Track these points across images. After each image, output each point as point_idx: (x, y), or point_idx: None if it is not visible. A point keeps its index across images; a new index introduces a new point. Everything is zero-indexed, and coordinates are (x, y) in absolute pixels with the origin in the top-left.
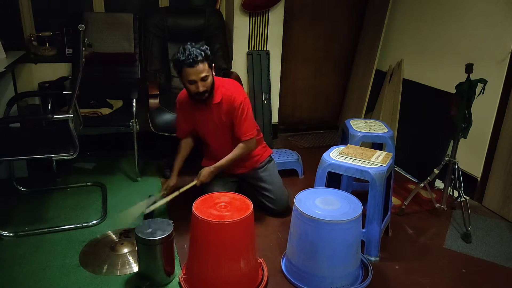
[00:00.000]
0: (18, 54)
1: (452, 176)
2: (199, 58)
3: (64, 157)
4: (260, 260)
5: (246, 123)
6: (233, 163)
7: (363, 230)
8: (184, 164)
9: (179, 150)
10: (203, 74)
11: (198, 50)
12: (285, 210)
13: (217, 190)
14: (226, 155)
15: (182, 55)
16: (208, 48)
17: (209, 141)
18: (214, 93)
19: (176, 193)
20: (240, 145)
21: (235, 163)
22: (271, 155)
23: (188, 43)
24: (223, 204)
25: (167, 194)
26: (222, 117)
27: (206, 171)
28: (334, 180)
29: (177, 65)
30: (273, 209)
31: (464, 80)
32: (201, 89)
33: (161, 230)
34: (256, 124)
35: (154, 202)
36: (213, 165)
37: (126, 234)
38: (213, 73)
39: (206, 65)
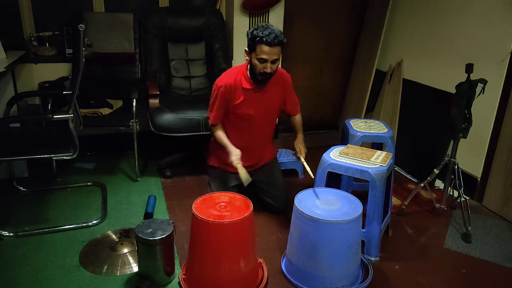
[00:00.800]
0: (18, 54)
1: (452, 176)
2: (278, 40)
3: (64, 157)
4: (260, 260)
5: (295, 95)
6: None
7: (363, 230)
8: (183, 164)
9: (221, 132)
10: (276, 57)
11: (278, 32)
12: (285, 207)
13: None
14: (257, 146)
15: (263, 31)
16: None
17: (248, 129)
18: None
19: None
20: (298, 118)
21: (248, 158)
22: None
23: (268, 23)
24: (223, 204)
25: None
26: (277, 101)
27: (301, 142)
28: (334, 180)
29: (254, 40)
30: (274, 207)
31: (464, 80)
32: (269, 70)
33: (161, 230)
34: None
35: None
36: (300, 135)
37: (126, 234)
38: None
39: (281, 49)
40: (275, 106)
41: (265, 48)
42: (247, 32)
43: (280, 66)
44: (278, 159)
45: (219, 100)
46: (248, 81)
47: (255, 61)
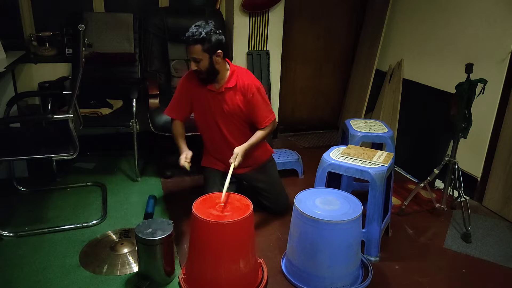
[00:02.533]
0: (18, 54)
1: (452, 176)
2: (190, 39)
3: (64, 157)
4: (260, 260)
5: (266, 107)
6: (259, 142)
7: (363, 230)
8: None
9: (176, 130)
10: (194, 56)
11: (195, 30)
12: (284, 210)
13: (218, 190)
14: (229, 147)
15: (189, 30)
16: (218, 32)
17: (213, 132)
18: (228, 77)
19: (228, 179)
20: (260, 132)
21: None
22: (273, 155)
23: (202, 22)
24: (223, 204)
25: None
26: (235, 104)
27: (240, 150)
28: (334, 180)
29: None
30: (272, 210)
31: (464, 80)
32: (192, 67)
33: (161, 230)
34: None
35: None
36: (245, 143)
37: (126, 234)
38: (214, 59)
39: (200, 48)
40: (234, 109)
41: (186, 46)
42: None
43: (280, 66)
44: (278, 159)
45: (180, 93)
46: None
47: None
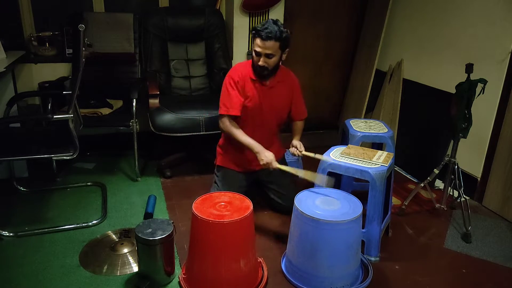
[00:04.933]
0: (18, 54)
1: (452, 176)
2: (270, 35)
3: (64, 157)
4: (260, 260)
5: (303, 101)
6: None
7: (363, 230)
8: (183, 164)
9: (236, 128)
10: (269, 52)
11: (276, 28)
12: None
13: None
14: (262, 141)
15: (261, 25)
16: (288, 31)
17: (253, 122)
18: (277, 73)
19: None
20: (300, 123)
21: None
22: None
23: (273, 19)
24: (223, 203)
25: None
26: (284, 99)
27: (300, 142)
28: (334, 180)
29: (253, 33)
30: (282, 205)
31: (464, 80)
32: (261, 63)
33: (161, 230)
34: None
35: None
36: (298, 136)
37: (126, 234)
38: (283, 57)
39: (277, 45)
40: (281, 103)
41: (258, 41)
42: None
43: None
44: None
45: (235, 89)
46: (254, 73)
47: (253, 53)
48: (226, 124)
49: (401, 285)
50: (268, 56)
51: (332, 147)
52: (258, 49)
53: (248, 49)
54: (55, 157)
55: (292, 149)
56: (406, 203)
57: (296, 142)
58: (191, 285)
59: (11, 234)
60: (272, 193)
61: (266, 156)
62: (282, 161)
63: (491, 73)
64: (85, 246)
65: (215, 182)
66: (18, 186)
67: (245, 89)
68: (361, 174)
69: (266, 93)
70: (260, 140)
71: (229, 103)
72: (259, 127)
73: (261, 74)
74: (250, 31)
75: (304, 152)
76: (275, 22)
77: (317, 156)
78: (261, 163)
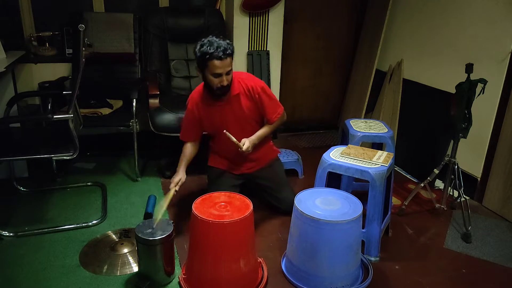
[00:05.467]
0: (18, 54)
1: (452, 176)
2: (227, 52)
3: (64, 157)
4: (260, 260)
5: (273, 102)
6: (267, 135)
7: (363, 230)
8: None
9: (184, 151)
10: (229, 68)
11: (225, 44)
12: (291, 208)
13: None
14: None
15: (210, 47)
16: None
17: (222, 138)
18: (231, 86)
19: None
20: (267, 126)
21: (243, 161)
22: (278, 155)
23: (211, 36)
24: (223, 204)
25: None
26: (244, 109)
27: (250, 141)
28: (334, 180)
29: (204, 58)
30: (280, 208)
31: (464, 80)
32: (225, 82)
33: (161, 230)
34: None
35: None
36: (253, 135)
37: (126, 234)
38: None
39: (231, 60)
40: (245, 114)
41: (217, 63)
42: (195, 50)
43: (280, 66)
44: None
45: (189, 116)
46: (208, 97)
47: (210, 77)
48: (183, 146)
49: (401, 285)
50: (228, 73)
51: (332, 147)
52: (219, 71)
53: (248, 49)
54: (55, 157)
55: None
56: (406, 203)
57: (245, 140)
58: (191, 285)
59: (11, 234)
60: (269, 196)
61: (174, 179)
62: (276, 163)
63: (491, 73)
64: (85, 246)
65: (208, 184)
66: (18, 186)
67: (200, 114)
68: (361, 174)
69: (224, 110)
70: (232, 148)
71: (182, 127)
72: (227, 139)
73: (222, 94)
74: (249, 32)
75: (241, 149)
76: (217, 37)
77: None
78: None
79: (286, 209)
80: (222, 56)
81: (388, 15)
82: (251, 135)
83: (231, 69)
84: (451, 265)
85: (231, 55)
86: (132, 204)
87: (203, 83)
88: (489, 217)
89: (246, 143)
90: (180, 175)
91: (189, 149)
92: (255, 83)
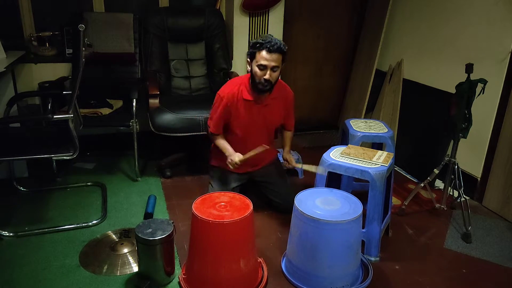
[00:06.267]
0: (18, 54)
1: (452, 176)
2: (278, 47)
3: (64, 157)
4: (260, 260)
5: (293, 113)
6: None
7: (363, 230)
8: (183, 164)
9: (222, 141)
10: (275, 64)
11: (278, 41)
12: (291, 205)
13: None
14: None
15: (264, 39)
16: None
17: (245, 139)
18: (273, 89)
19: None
20: (290, 133)
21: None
22: (278, 155)
23: (270, 35)
24: (223, 204)
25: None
26: (277, 114)
27: (288, 153)
28: (334, 180)
29: (255, 47)
30: (282, 205)
31: (464, 80)
32: (267, 77)
33: (161, 230)
34: None
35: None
36: (287, 147)
37: (126, 234)
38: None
39: (281, 58)
40: (275, 119)
41: (264, 54)
42: (250, 41)
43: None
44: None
45: (220, 111)
46: (249, 92)
47: (256, 69)
48: (209, 132)
49: (401, 285)
50: (273, 69)
51: (332, 147)
52: (264, 62)
53: (248, 49)
54: (55, 157)
55: (284, 163)
56: (406, 203)
57: (286, 155)
58: (191, 285)
59: (11, 234)
60: (270, 194)
61: (232, 158)
62: (276, 162)
63: (491, 73)
64: (85, 246)
65: (210, 183)
66: (18, 186)
67: (236, 111)
68: (361, 174)
69: (260, 112)
70: (251, 148)
71: (214, 120)
72: (251, 143)
73: (263, 89)
74: (249, 32)
75: (294, 164)
76: (274, 38)
77: (305, 167)
78: (227, 161)
79: (286, 205)
80: (271, 49)
81: (388, 15)
82: (267, 139)
83: (279, 68)
84: (451, 265)
85: (281, 52)
86: (132, 204)
87: (235, 78)
88: (489, 217)
89: (291, 159)
90: (237, 153)
91: (223, 138)
92: (289, 89)
